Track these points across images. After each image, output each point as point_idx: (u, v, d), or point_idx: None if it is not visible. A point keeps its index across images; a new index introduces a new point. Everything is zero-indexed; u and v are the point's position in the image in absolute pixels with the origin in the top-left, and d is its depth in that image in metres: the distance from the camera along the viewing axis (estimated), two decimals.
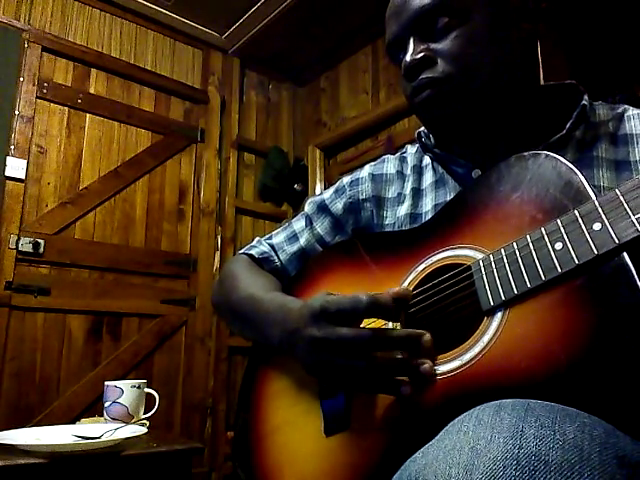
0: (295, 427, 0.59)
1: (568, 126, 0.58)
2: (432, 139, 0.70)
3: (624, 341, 0.37)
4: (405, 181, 0.73)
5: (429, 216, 0.66)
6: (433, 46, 0.60)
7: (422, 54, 0.59)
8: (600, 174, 0.57)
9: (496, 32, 0.59)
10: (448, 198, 0.65)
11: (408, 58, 0.60)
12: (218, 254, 2.62)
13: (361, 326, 0.51)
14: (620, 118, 0.60)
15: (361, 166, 0.79)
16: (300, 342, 0.53)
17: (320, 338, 0.50)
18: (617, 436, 0.33)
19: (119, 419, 1.18)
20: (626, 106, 0.62)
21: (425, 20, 0.60)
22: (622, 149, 0.58)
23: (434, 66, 0.59)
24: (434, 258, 0.55)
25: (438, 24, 0.59)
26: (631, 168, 0.56)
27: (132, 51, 2.54)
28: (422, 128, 0.71)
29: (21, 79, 2.16)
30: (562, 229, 0.43)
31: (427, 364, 0.46)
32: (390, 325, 0.55)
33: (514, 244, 0.47)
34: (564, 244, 0.42)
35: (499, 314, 0.45)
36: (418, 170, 0.72)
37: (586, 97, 0.61)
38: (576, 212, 0.43)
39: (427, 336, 0.48)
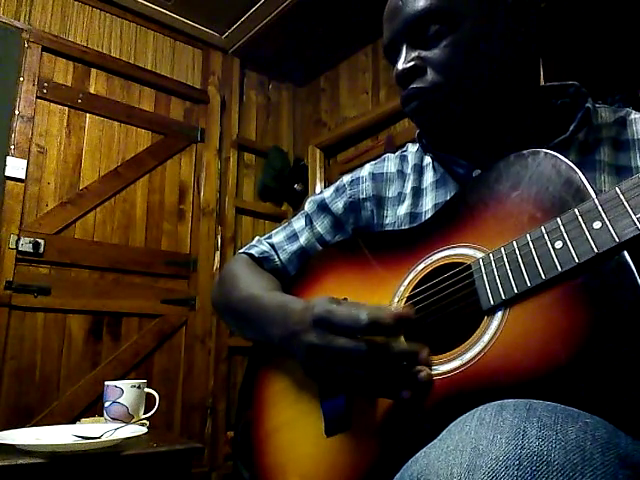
0: (296, 427, 0.59)
1: (572, 128, 0.58)
2: None
3: (624, 340, 0.37)
4: (405, 180, 0.73)
5: (429, 215, 0.66)
6: (424, 54, 0.60)
7: (412, 63, 0.60)
8: (602, 178, 0.57)
9: (489, 38, 0.58)
10: (448, 198, 0.65)
11: (399, 67, 0.61)
12: (218, 254, 2.62)
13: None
14: (623, 122, 0.60)
15: (361, 166, 0.79)
16: (299, 346, 0.53)
17: (318, 346, 0.50)
18: (619, 436, 0.33)
19: (119, 419, 1.18)
20: (629, 109, 0.61)
21: (416, 27, 0.60)
22: (624, 154, 0.58)
23: (424, 75, 0.59)
24: (434, 257, 0.55)
25: (429, 31, 0.59)
26: (632, 174, 0.56)
27: (132, 51, 2.54)
28: None
29: (21, 79, 2.16)
30: (562, 228, 0.43)
31: (425, 372, 0.46)
32: None
33: (514, 243, 0.46)
34: (564, 243, 0.42)
35: (499, 313, 0.45)
36: (419, 169, 0.72)
37: (590, 99, 0.61)
38: (576, 210, 0.43)
39: (425, 352, 0.48)
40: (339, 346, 0.49)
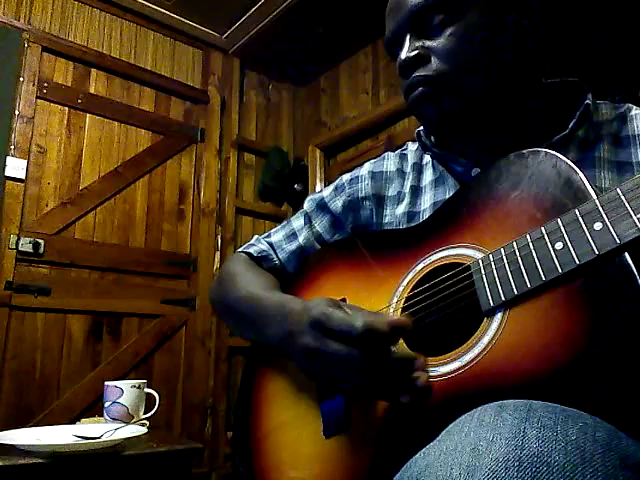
0: (294, 428, 0.59)
1: (571, 125, 0.58)
2: (432, 138, 0.70)
3: (625, 341, 0.37)
4: (405, 179, 0.73)
5: (427, 214, 0.66)
6: (428, 44, 0.60)
7: (416, 52, 0.59)
8: (602, 175, 0.56)
9: (493, 29, 0.58)
10: (447, 196, 0.65)
11: (402, 56, 0.60)
12: (218, 254, 2.62)
13: None
14: (623, 118, 0.60)
15: (361, 166, 0.79)
16: (295, 346, 0.53)
17: (313, 348, 0.50)
18: (619, 437, 0.33)
19: (119, 419, 1.17)
20: (629, 105, 0.61)
21: (420, 17, 0.60)
22: (625, 150, 0.57)
23: (428, 64, 0.59)
24: (433, 257, 0.55)
25: (433, 21, 0.59)
26: (633, 169, 0.56)
27: (132, 51, 2.54)
28: (422, 127, 0.71)
29: (21, 79, 2.16)
30: (562, 229, 0.43)
31: (423, 378, 0.46)
32: None
33: (514, 244, 0.46)
34: (564, 244, 0.42)
35: (499, 315, 0.45)
36: (418, 168, 0.72)
37: (589, 96, 0.61)
38: (576, 211, 0.43)
39: (421, 360, 0.48)
40: (333, 350, 0.48)
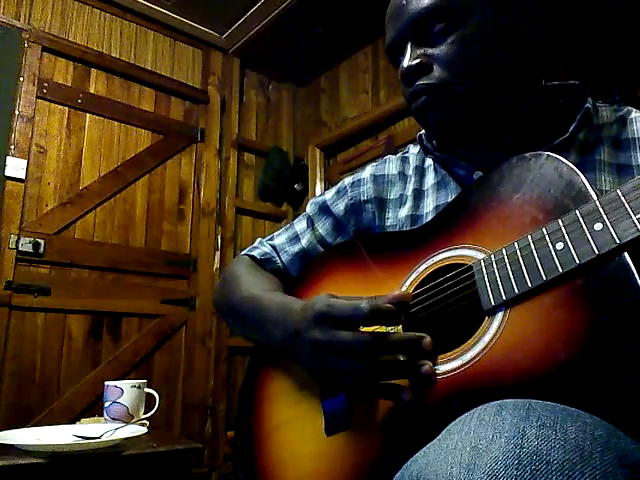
0: (296, 427, 0.59)
1: (571, 129, 0.58)
2: (434, 142, 0.70)
3: (625, 341, 0.37)
4: (407, 182, 0.73)
5: (430, 217, 0.66)
6: (430, 51, 0.60)
7: (418, 60, 0.59)
8: (602, 178, 0.57)
9: (495, 35, 0.58)
10: (449, 199, 0.65)
11: (404, 64, 0.60)
12: (218, 254, 2.62)
13: (363, 329, 0.51)
14: (623, 121, 0.60)
15: (361, 166, 0.79)
16: (302, 344, 0.53)
17: (322, 341, 0.50)
18: (618, 436, 0.33)
19: (119, 419, 1.18)
20: (629, 108, 0.61)
21: (421, 25, 0.60)
22: (625, 153, 0.58)
23: (430, 72, 0.59)
24: (435, 258, 0.55)
25: (434, 29, 0.59)
26: (633, 172, 0.56)
27: (132, 51, 2.54)
28: (423, 131, 0.71)
29: (21, 79, 2.16)
30: (563, 229, 0.43)
31: (427, 365, 0.47)
32: (391, 328, 0.55)
33: (515, 244, 0.47)
34: (565, 244, 0.43)
35: (500, 314, 0.45)
36: (420, 171, 0.72)
37: (590, 99, 0.61)
38: (577, 212, 0.43)
39: (427, 339, 0.48)
40: (341, 339, 0.49)
